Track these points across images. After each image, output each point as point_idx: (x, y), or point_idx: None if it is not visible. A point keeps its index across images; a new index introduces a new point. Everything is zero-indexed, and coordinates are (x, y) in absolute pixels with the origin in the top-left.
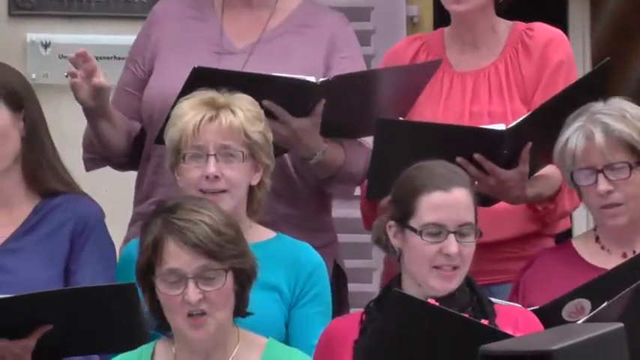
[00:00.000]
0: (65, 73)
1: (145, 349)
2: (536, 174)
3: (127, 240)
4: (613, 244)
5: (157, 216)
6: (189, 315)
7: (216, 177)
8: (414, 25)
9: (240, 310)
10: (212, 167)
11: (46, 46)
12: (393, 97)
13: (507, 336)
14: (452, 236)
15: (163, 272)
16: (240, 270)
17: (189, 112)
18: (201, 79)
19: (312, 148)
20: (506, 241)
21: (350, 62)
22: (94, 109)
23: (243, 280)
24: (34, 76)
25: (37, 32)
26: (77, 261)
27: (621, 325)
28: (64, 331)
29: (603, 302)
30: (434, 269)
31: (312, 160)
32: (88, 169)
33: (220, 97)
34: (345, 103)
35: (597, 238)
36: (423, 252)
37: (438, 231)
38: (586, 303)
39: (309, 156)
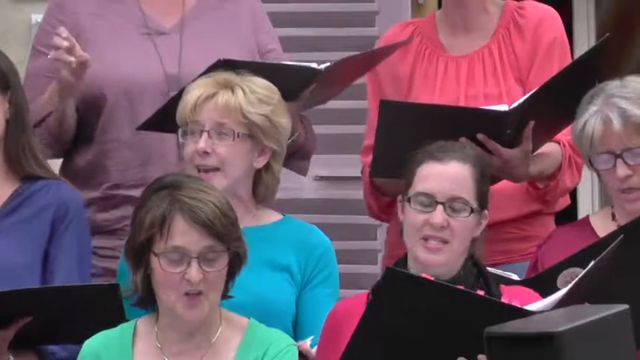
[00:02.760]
0: (49, 56)
1: (125, 328)
2: (537, 152)
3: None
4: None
5: (160, 192)
6: (186, 294)
7: (206, 152)
8: (419, 7)
9: (224, 293)
10: (202, 142)
11: None
12: (350, 74)
13: (499, 304)
14: (439, 207)
15: (167, 249)
16: (236, 254)
17: (194, 90)
18: (215, 67)
19: (292, 131)
20: (507, 221)
21: (271, 37)
22: (71, 87)
23: (235, 264)
24: None
25: (41, 13)
26: (57, 246)
27: (627, 306)
28: (43, 323)
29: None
30: (421, 240)
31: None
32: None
33: (233, 78)
34: (327, 84)
35: (614, 216)
36: (412, 221)
37: (428, 201)
38: (579, 271)
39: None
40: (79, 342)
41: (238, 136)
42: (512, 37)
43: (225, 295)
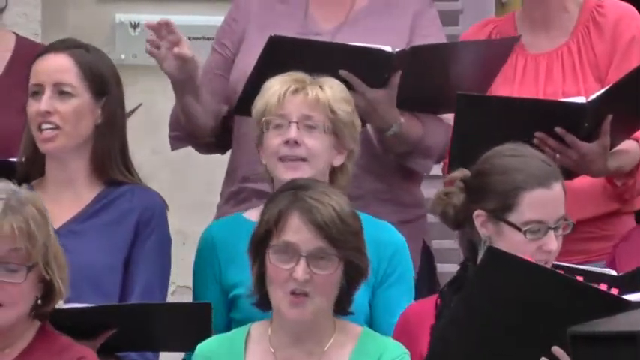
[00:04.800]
0: (147, 43)
1: (238, 332)
2: (616, 148)
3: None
4: None
5: (287, 191)
6: (292, 292)
7: (296, 143)
8: (502, 6)
9: (343, 308)
10: (293, 132)
11: (134, 26)
12: (471, 73)
13: (598, 291)
14: (551, 233)
15: (279, 243)
16: (353, 264)
17: (276, 85)
18: (277, 48)
19: (388, 120)
20: (585, 220)
21: (432, 40)
22: (182, 83)
23: (353, 275)
24: (122, 56)
25: (125, 13)
26: (140, 250)
27: None
28: (127, 335)
29: None
30: None
31: (388, 132)
32: (173, 148)
33: (310, 77)
34: (423, 75)
35: None
36: (522, 249)
37: (538, 228)
38: None
39: (385, 127)
40: (161, 350)
41: (327, 130)
42: (592, 35)
43: (345, 310)
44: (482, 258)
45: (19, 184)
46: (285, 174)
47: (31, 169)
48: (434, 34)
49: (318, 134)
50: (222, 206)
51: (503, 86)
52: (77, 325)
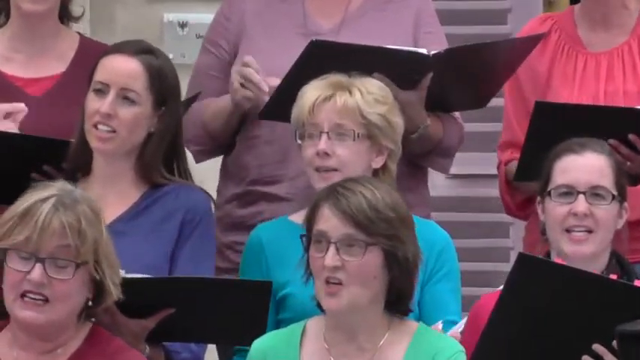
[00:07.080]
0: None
1: (294, 328)
2: None
3: (219, 219)
4: None
5: (328, 187)
6: (326, 281)
7: (326, 154)
8: (550, 4)
9: (400, 305)
10: (323, 144)
11: (183, 25)
12: (493, 71)
13: (634, 287)
14: (581, 196)
15: (314, 234)
16: (391, 254)
17: (309, 92)
18: (317, 52)
19: (416, 122)
20: None
21: (435, 37)
22: (241, 110)
23: (394, 266)
24: (171, 56)
25: (173, 12)
26: (182, 248)
27: None
28: (183, 318)
29: None
30: (565, 233)
31: (414, 133)
32: (198, 160)
33: (347, 79)
34: (450, 76)
35: None
36: (554, 214)
37: (568, 191)
38: None
39: (411, 129)
40: (210, 342)
41: (358, 137)
42: None
43: (402, 308)
44: (513, 265)
45: (67, 169)
46: (319, 184)
47: (79, 158)
48: (436, 31)
49: (350, 142)
50: (224, 206)
51: (564, 86)
52: (133, 300)
